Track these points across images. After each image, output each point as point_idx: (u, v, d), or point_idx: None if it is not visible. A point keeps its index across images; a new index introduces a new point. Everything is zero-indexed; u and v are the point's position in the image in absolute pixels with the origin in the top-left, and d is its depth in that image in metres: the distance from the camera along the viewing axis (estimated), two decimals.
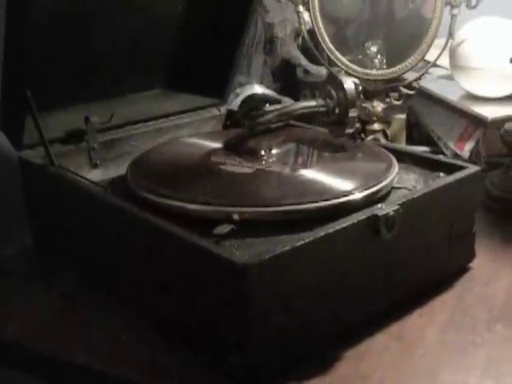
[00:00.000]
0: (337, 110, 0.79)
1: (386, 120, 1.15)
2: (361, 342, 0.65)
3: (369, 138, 0.87)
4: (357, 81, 0.79)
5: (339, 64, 1.10)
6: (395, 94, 1.11)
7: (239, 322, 0.58)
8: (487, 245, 0.82)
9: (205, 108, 1.03)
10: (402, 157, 0.81)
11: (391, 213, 0.65)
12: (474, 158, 1.06)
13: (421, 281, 0.72)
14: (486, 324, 0.68)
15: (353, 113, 0.78)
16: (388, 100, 1.11)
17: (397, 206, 0.65)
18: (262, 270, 0.56)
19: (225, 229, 0.62)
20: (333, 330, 0.64)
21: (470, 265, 0.78)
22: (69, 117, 0.91)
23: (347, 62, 1.10)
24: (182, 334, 0.65)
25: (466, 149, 1.06)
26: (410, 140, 1.20)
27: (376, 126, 1.13)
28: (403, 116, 1.17)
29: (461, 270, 0.78)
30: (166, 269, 0.65)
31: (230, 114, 1.03)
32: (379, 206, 0.66)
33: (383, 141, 1.12)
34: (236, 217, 0.64)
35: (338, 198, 0.67)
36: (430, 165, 0.79)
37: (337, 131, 0.81)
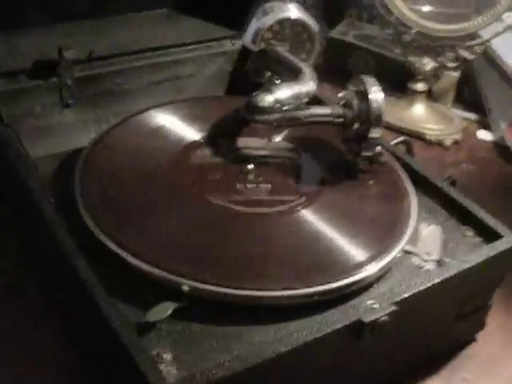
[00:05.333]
0: (355, 126, 0.62)
1: (433, 75, 0.95)
2: None
3: (393, 143, 0.69)
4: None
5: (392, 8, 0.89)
6: (451, 55, 0.90)
7: None
8: (505, 311, 0.67)
9: (216, 40, 0.84)
10: (431, 190, 0.65)
11: (382, 318, 0.50)
12: None
13: (407, 367, 0.59)
14: None
15: (375, 133, 0.61)
16: (441, 59, 0.91)
17: (392, 308, 0.51)
18: None
19: (163, 312, 0.49)
20: None
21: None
22: (41, 42, 0.74)
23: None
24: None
25: None
26: (459, 99, 1.01)
27: (420, 87, 0.94)
28: (455, 74, 0.98)
29: (462, 343, 0.64)
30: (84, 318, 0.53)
31: (244, 52, 0.84)
32: (369, 303, 0.52)
33: (421, 109, 0.94)
34: (186, 288, 0.50)
35: (328, 282, 0.52)
36: (459, 213, 0.63)
37: (352, 148, 0.64)
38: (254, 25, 0.97)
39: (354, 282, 0.52)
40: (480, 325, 0.64)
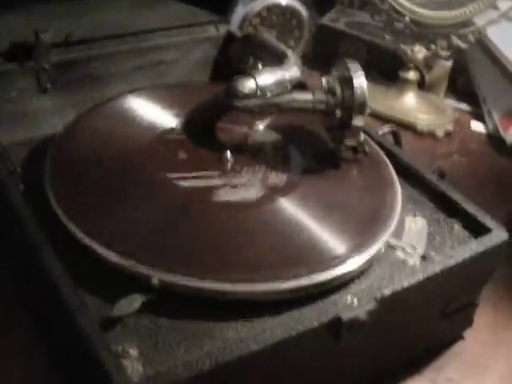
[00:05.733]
0: (338, 112, 0.59)
1: (425, 63, 0.93)
2: None
3: (380, 132, 0.67)
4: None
5: None
6: (443, 43, 0.88)
7: None
8: (494, 308, 0.65)
9: (200, 25, 0.81)
10: (418, 182, 0.62)
11: (361, 316, 0.48)
12: None
13: (389, 367, 0.57)
14: None
15: (358, 121, 0.58)
16: (433, 47, 0.89)
17: (372, 305, 0.49)
18: None
19: (131, 306, 0.46)
20: None
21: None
22: (18, 24, 0.71)
23: None
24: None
25: None
26: (452, 89, 0.99)
27: (411, 75, 0.91)
28: (448, 63, 0.95)
29: (448, 341, 0.62)
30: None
31: (230, 37, 0.81)
32: (349, 299, 0.49)
33: (412, 98, 0.92)
34: (155, 282, 0.48)
35: (305, 277, 0.49)
36: (447, 206, 0.60)
37: (335, 137, 0.61)
38: (241, 10, 0.93)
39: (332, 277, 0.50)
40: (467, 322, 0.62)
